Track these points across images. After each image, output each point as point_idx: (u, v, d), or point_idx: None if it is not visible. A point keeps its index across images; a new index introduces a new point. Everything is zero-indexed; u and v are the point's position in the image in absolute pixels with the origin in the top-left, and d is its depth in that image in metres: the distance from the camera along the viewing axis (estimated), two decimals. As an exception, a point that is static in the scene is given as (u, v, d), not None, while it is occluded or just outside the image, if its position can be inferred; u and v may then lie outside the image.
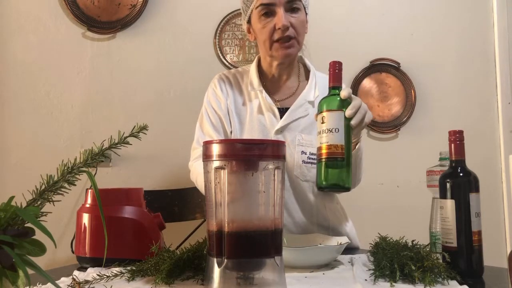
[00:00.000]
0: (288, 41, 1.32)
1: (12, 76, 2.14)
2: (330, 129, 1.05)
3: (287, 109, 1.40)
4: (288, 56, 1.36)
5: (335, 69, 1.13)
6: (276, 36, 1.31)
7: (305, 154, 1.36)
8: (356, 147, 1.22)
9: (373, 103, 2.28)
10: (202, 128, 1.45)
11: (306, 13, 1.39)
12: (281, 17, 1.29)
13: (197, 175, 1.38)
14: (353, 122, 1.07)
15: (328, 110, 1.06)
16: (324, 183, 1.06)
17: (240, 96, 1.44)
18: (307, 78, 1.47)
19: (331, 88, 1.11)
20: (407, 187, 2.19)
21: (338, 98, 1.08)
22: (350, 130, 1.07)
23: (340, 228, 1.42)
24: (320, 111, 1.08)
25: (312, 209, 1.38)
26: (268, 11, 1.31)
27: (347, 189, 1.08)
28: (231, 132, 1.42)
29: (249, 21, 1.40)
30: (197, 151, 1.43)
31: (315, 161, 1.35)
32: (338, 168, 1.05)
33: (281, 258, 0.80)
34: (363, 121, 1.10)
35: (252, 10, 1.35)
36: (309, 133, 1.37)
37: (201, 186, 1.35)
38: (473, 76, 2.31)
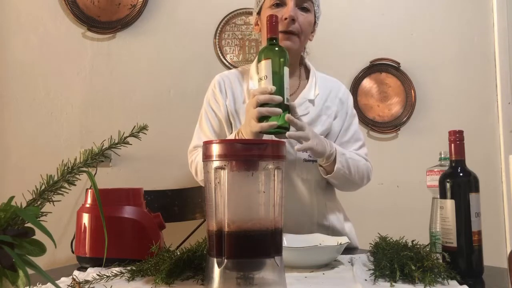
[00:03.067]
0: (291, 35, 1.35)
1: (12, 76, 2.14)
2: (261, 77, 1.16)
3: None
4: (287, 49, 1.35)
5: (272, 22, 1.20)
6: (281, 27, 1.33)
7: (306, 152, 1.36)
8: (335, 169, 1.30)
9: (373, 103, 2.28)
10: (201, 130, 1.46)
11: (316, 22, 1.44)
12: (289, 8, 1.33)
13: (196, 166, 1.41)
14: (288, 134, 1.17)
15: (260, 61, 1.17)
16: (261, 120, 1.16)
17: (240, 95, 1.44)
18: (307, 78, 1.48)
19: (269, 39, 1.20)
20: (407, 187, 2.19)
21: (271, 48, 1.18)
22: (280, 76, 1.15)
23: (340, 228, 1.42)
24: (258, 61, 1.19)
25: (313, 208, 1.39)
26: (279, 1, 1.36)
27: (286, 129, 1.16)
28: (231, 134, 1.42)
29: (259, 13, 1.43)
30: (193, 153, 1.44)
31: (315, 159, 1.37)
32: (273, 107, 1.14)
33: (281, 258, 0.80)
34: (297, 137, 1.19)
35: (265, 0, 1.39)
36: None
37: (201, 177, 1.41)
38: (473, 76, 2.31)
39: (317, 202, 1.39)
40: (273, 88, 1.13)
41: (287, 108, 1.16)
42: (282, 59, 1.16)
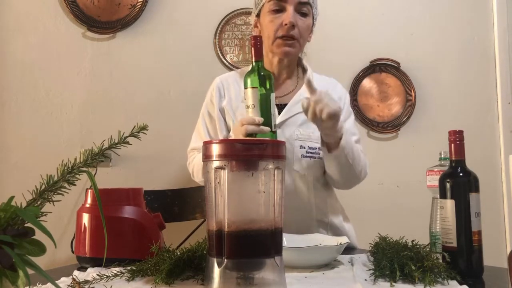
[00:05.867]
0: (291, 40, 1.36)
1: (12, 76, 2.14)
2: (249, 105, 1.18)
3: (285, 105, 1.43)
4: (287, 54, 1.39)
5: (257, 44, 1.20)
6: (281, 32, 1.36)
7: (304, 148, 1.39)
8: (340, 145, 1.26)
9: (373, 103, 2.28)
10: (198, 134, 1.50)
11: (314, 24, 1.45)
12: (289, 14, 1.34)
13: (192, 168, 1.42)
14: (308, 117, 1.18)
15: (246, 88, 1.18)
16: None
17: (238, 94, 1.47)
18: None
19: (254, 61, 1.20)
20: (407, 187, 2.19)
21: (256, 75, 1.18)
22: (267, 104, 1.17)
23: (339, 226, 1.43)
24: (244, 87, 1.20)
25: (311, 204, 1.39)
26: (278, 7, 1.36)
27: None
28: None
29: (258, 15, 1.45)
30: (192, 153, 1.48)
31: (314, 155, 1.39)
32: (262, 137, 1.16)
33: (281, 258, 0.80)
34: (316, 115, 1.16)
35: (264, 4, 1.40)
36: (306, 128, 1.39)
37: (198, 176, 1.43)
38: (473, 76, 2.31)
39: (316, 199, 1.40)
40: (261, 119, 1.16)
41: (275, 133, 1.20)
42: (268, 86, 1.18)
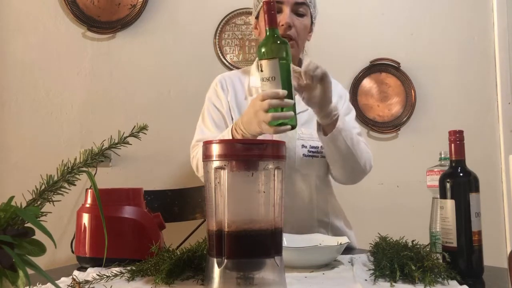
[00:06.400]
0: (288, 40, 1.34)
1: (12, 76, 2.14)
2: (267, 78, 1.09)
3: None
4: None
5: (270, 10, 1.12)
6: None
7: (305, 147, 1.39)
8: (336, 126, 1.24)
9: (373, 103, 2.28)
10: (203, 125, 1.46)
11: (313, 22, 1.45)
12: (286, 15, 1.34)
13: (197, 162, 1.39)
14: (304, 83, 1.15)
15: (264, 59, 1.10)
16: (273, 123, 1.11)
17: (241, 92, 1.47)
18: None
19: (269, 29, 1.12)
20: (407, 187, 2.19)
21: (273, 43, 1.10)
22: (288, 75, 1.10)
23: (339, 225, 1.43)
24: (259, 58, 1.12)
25: (312, 204, 1.40)
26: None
27: (294, 127, 1.13)
28: None
29: (257, 17, 1.45)
30: (195, 148, 1.43)
31: (316, 154, 1.39)
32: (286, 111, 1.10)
33: (281, 258, 0.80)
34: (313, 80, 1.16)
35: (262, 6, 1.39)
36: (308, 127, 1.39)
37: (201, 173, 1.38)
38: (473, 76, 2.31)
39: (317, 198, 1.41)
40: (285, 92, 1.08)
41: (295, 107, 1.13)
42: (286, 55, 1.10)
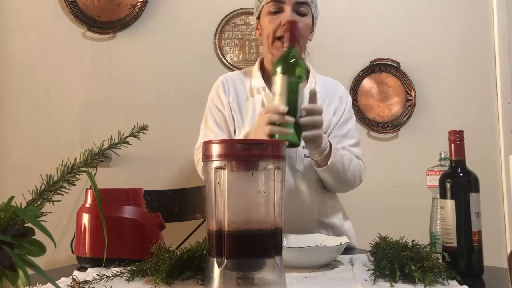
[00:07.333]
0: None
1: (12, 76, 2.14)
2: (276, 93, 1.14)
3: None
4: None
5: (292, 29, 1.17)
6: (279, 32, 1.36)
7: (306, 148, 1.38)
8: (329, 163, 1.28)
9: (373, 103, 2.28)
10: (206, 127, 1.48)
11: (314, 22, 1.45)
12: (287, 14, 1.34)
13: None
14: (303, 135, 1.16)
15: (275, 75, 1.15)
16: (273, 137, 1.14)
17: (243, 93, 1.47)
18: (307, 78, 1.49)
19: (287, 47, 1.17)
20: (407, 187, 2.19)
21: (286, 62, 1.14)
22: (295, 94, 1.13)
23: (339, 225, 1.43)
24: (272, 72, 1.17)
25: (312, 204, 1.40)
26: (277, 8, 1.37)
27: (295, 145, 1.17)
28: (234, 131, 1.43)
29: (258, 17, 1.45)
30: (199, 151, 1.44)
31: None
32: (285, 127, 1.13)
33: (281, 258, 0.80)
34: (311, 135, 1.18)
35: (263, 6, 1.41)
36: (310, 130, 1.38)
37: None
38: (473, 76, 2.31)
39: (317, 199, 1.41)
40: (285, 108, 1.11)
41: (300, 126, 1.15)
42: (297, 74, 1.14)
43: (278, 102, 1.13)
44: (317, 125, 1.18)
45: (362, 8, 2.31)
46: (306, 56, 1.53)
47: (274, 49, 1.39)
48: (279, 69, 1.14)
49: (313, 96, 1.19)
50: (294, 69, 1.14)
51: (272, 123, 1.12)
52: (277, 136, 1.12)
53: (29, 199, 0.66)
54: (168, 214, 1.83)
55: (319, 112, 1.18)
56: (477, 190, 0.96)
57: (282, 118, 1.11)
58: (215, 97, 1.49)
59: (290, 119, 1.12)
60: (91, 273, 0.98)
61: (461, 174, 0.97)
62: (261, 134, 1.16)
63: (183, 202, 1.91)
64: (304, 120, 1.15)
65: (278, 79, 1.13)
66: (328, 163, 1.29)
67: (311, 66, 1.52)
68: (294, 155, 1.38)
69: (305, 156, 1.39)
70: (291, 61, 1.14)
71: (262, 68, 1.50)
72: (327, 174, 1.34)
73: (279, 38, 1.36)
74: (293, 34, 1.16)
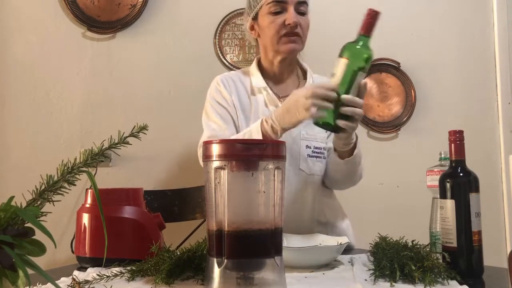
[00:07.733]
0: (295, 36, 1.37)
1: (12, 76, 2.13)
2: (332, 73, 1.13)
3: None
4: (293, 51, 1.40)
5: (370, 18, 1.16)
6: (284, 31, 1.36)
7: (310, 148, 1.40)
8: (354, 154, 1.29)
9: (373, 103, 2.28)
10: (209, 121, 1.43)
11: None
12: (291, 14, 1.35)
13: None
14: (342, 124, 1.12)
15: (340, 56, 1.13)
16: (314, 121, 1.14)
17: (243, 93, 1.46)
18: (305, 78, 1.51)
19: (360, 35, 1.16)
20: (407, 187, 2.19)
21: (356, 48, 1.14)
22: (351, 80, 1.11)
23: (337, 224, 1.43)
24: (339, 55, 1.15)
25: (315, 204, 1.40)
26: (280, 8, 1.37)
27: (329, 126, 1.14)
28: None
29: (254, 18, 1.44)
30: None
31: (319, 155, 1.40)
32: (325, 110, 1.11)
33: (281, 258, 0.80)
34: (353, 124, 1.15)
35: (261, 6, 1.40)
36: (312, 128, 1.38)
37: None
38: (473, 76, 2.31)
39: (318, 198, 1.41)
40: (334, 86, 1.10)
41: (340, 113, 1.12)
42: (361, 63, 1.12)
43: (332, 81, 1.12)
44: (356, 118, 1.15)
45: (362, 8, 2.30)
46: (299, 56, 1.53)
47: (281, 45, 1.38)
48: (345, 54, 1.12)
49: (363, 88, 1.16)
50: (359, 57, 1.12)
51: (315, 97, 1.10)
52: (314, 110, 1.09)
53: (29, 199, 0.66)
54: (168, 214, 1.83)
55: (360, 106, 1.15)
56: (477, 190, 0.96)
57: (326, 92, 1.10)
58: (216, 94, 1.45)
59: (333, 94, 1.10)
60: (91, 273, 0.98)
61: (461, 174, 0.97)
62: (296, 108, 1.14)
63: (183, 202, 1.91)
64: (346, 109, 1.12)
65: (340, 61, 1.12)
66: (354, 154, 1.30)
67: (307, 65, 1.52)
68: (297, 155, 1.38)
69: (309, 156, 1.39)
70: (360, 47, 1.13)
71: (260, 68, 1.49)
72: (346, 167, 1.34)
73: (285, 35, 1.36)
74: (372, 24, 1.15)
